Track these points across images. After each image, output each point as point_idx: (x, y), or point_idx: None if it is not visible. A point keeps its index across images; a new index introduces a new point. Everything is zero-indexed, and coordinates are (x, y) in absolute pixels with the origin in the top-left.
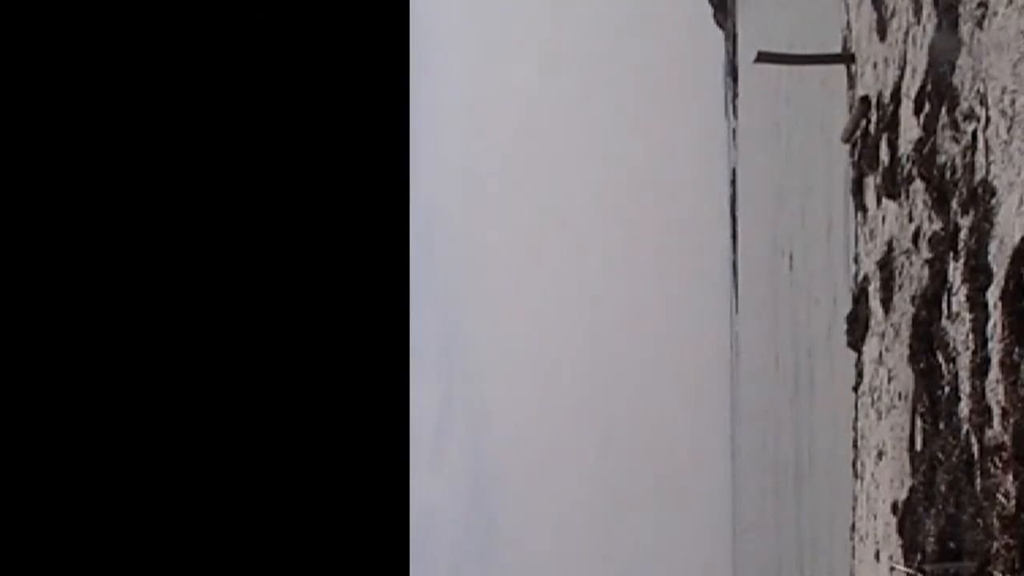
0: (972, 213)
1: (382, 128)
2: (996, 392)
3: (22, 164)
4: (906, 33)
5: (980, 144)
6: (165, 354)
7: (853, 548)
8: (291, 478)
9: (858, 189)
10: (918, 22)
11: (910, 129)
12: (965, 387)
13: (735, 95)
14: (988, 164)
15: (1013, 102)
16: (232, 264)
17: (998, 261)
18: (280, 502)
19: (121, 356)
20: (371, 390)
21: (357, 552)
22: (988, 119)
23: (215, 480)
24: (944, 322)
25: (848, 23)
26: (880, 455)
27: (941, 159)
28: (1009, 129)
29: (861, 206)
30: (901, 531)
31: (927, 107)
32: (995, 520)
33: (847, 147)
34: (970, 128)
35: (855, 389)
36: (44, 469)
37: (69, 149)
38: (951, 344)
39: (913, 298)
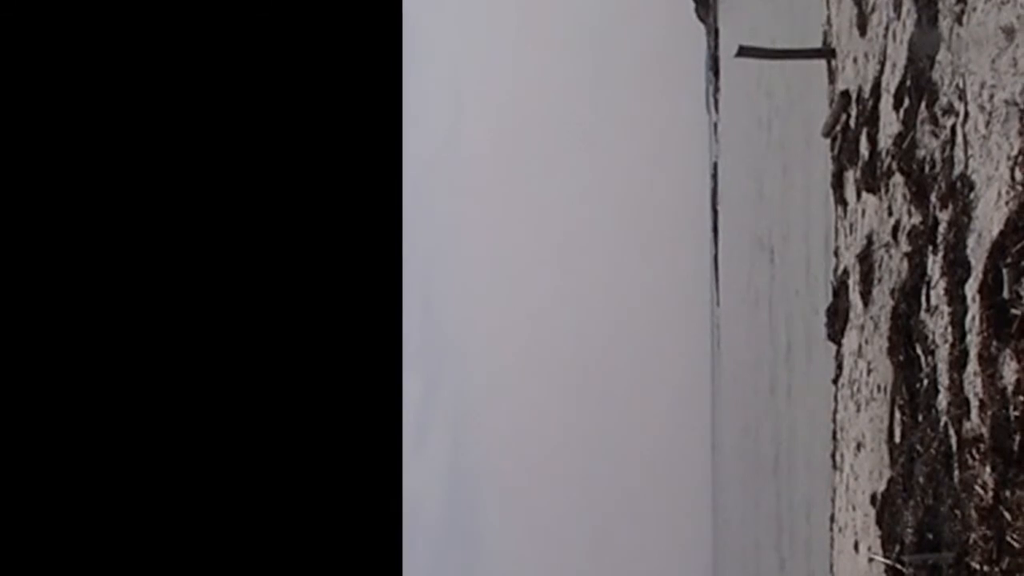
0: (951, 207)
1: (374, 124)
2: (974, 384)
3: (11, 162)
4: (886, 28)
5: (959, 138)
6: (151, 346)
7: (832, 539)
8: (279, 471)
9: (838, 183)
10: (898, 17)
11: (890, 123)
12: (943, 379)
13: (716, 89)
14: (967, 158)
15: (992, 97)
16: (225, 262)
17: (976, 255)
18: (269, 496)
19: (112, 345)
20: (361, 383)
21: (347, 543)
22: (967, 114)
23: (201, 467)
24: (923, 315)
25: (829, 18)
26: (859, 447)
27: (920, 153)
28: (987, 124)
29: (841, 200)
30: (880, 522)
31: (907, 102)
32: (973, 511)
33: (827, 141)
34: (949, 123)
35: (835, 381)
36: (26, 464)
37: (60, 143)
38: (930, 337)
39: (892, 291)
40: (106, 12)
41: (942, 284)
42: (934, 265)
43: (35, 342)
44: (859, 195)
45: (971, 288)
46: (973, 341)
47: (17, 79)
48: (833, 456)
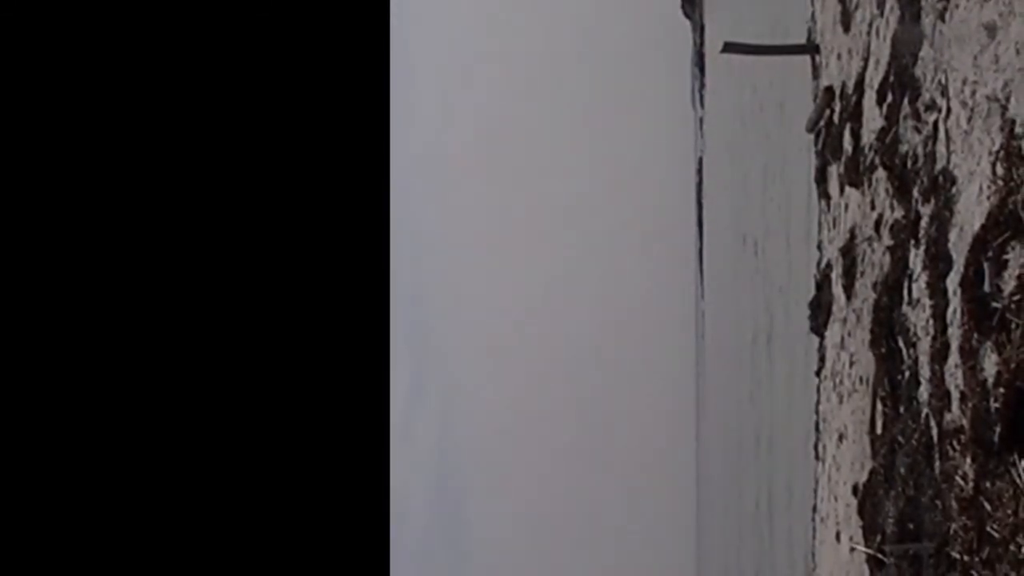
0: (933, 201)
1: (361, 121)
2: (955, 377)
3: (3, 162)
4: (870, 25)
5: (941, 134)
6: (138, 341)
7: (814, 529)
8: (266, 464)
9: (822, 177)
10: (881, 14)
11: (873, 119)
12: (925, 372)
13: (702, 85)
14: (949, 153)
15: (974, 93)
16: (213, 260)
17: (958, 249)
18: (255, 489)
19: (105, 342)
20: (348, 375)
21: (334, 535)
22: (949, 110)
23: (187, 459)
24: (905, 308)
25: (813, 14)
26: (841, 438)
27: (903, 148)
28: (969, 119)
29: (824, 194)
30: (861, 513)
31: (890, 97)
32: (953, 502)
33: (811, 136)
34: (931, 118)
35: (817, 373)
36: (17, 461)
37: (52, 142)
38: (912, 330)
39: (875, 284)
40: (98, 11)
41: (924, 277)
42: (916, 259)
43: (14, 342)
44: (842, 189)
45: (953, 281)
46: (955, 334)
47: (8, 79)
48: (815, 447)
